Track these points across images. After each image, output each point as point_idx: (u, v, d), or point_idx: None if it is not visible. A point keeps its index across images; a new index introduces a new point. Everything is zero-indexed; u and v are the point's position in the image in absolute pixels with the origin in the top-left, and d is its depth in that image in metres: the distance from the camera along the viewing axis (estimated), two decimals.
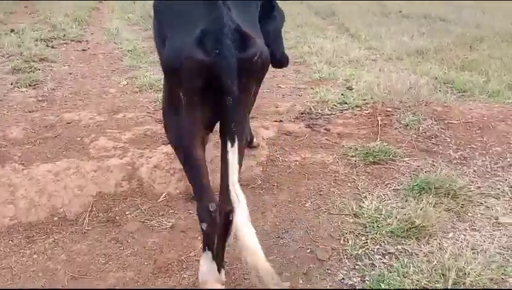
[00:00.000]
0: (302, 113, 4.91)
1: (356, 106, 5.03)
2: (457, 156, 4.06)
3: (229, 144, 2.13)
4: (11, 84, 5.50)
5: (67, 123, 4.50)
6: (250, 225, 2.02)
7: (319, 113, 4.91)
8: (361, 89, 5.53)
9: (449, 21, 11.94)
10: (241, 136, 2.26)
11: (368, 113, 4.79)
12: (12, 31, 8.43)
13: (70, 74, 6.12)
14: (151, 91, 5.48)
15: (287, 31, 9.78)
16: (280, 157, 3.98)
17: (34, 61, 6.46)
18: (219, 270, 2.45)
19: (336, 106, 5.09)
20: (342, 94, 5.48)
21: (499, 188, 3.65)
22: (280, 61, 3.65)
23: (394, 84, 5.43)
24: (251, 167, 3.83)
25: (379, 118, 4.57)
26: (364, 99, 5.21)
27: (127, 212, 3.39)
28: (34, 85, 5.52)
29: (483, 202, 3.46)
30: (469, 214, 3.32)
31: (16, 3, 11.59)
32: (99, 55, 7.15)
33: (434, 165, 3.88)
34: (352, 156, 3.97)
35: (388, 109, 4.76)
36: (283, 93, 5.68)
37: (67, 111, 4.80)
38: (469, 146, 4.21)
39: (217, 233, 2.36)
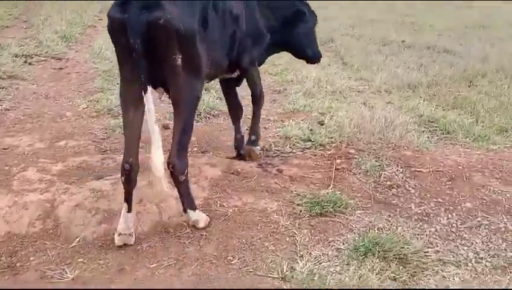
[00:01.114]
0: (260, 150, 4.52)
1: (320, 145, 4.62)
2: (418, 211, 3.61)
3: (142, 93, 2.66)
4: None
5: (3, 149, 4.19)
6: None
7: (278, 151, 4.51)
8: (332, 125, 5.13)
9: (454, 53, 11.46)
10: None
11: (329, 154, 4.38)
12: None
13: (35, 93, 5.85)
14: (108, 116, 5.15)
15: (277, 57, 9.45)
16: (218, 202, 3.59)
17: (1, 78, 6.20)
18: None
19: (298, 143, 4.69)
20: (311, 129, 5.07)
21: (461, 254, 3.18)
22: (311, 58, 4.42)
23: (367, 122, 5.02)
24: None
25: (338, 161, 4.16)
26: (331, 137, 4.81)
27: (31, 258, 3.01)
28: None
29: (439, 271, 3.00)
30: (420, 285, 2.87)
31: (16, 20, 11.45)
32: (73, 74, 6.88)
33: (389, 221, 3.45)
34: (298, 205, 3.56)
35: (351, 151, 4.34)
36: (249, 124, 5.28)
37: (10, 135, 4.49)
38: (435, 200, 3.76)
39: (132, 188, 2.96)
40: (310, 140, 4.72)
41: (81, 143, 4.35)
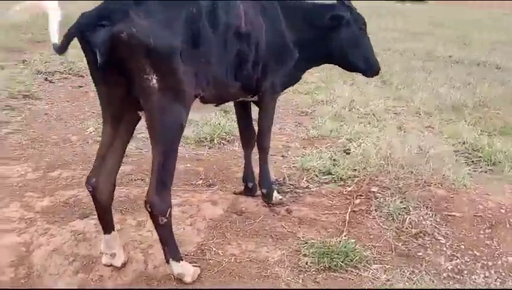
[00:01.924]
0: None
1: (341, 179, 4.10)
2: (449, 267, 3.03)
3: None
4: None
5: None
6: None
7: (291, 186, 4.02)
8: (358, 155, 4.58)
9: (507, 70, 10.60)
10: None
11: (349, 191, 3.84)
12: (24, 62, 8.20)
13: (46, 114, 5.62)
14: None
15: (311, 72, 8.96)
16: (214, 249, 3.13)
17: (15, 98, 6.04)
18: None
19: (317, 176, 4.18)
20: (334, 159, 4.55)
21: None
22: (364, 70, 3.65)
23: (397, 152, 4.45)
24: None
25: (356, 201, 3.62)
26: (354, 170, 4.27)
27: None
28: None
29: None
30: None
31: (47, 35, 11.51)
32: (91, 93, 6.63)
33: (412, 279, 2.88)
34: (304, 255, 3.05)
35: (373, 189, 3.79)
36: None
37: (5, 163, 4.21)
38: (470, 252, 3.17)
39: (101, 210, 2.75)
40: (330, 173, 4.20)
41: (76, 173, 4.02)
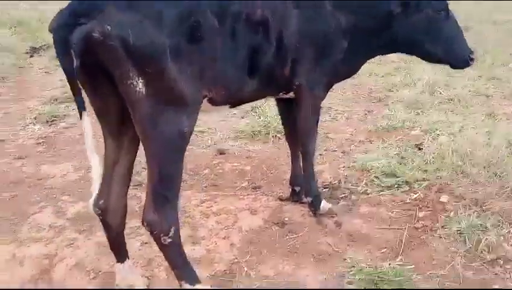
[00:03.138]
0: (326, 187, 3.55)
1: (406, 182, 3.49)
2: None
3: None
4: (33, 118, 5.05)
5: (38, 180, 3.81)
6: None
7: (347, 190, 3.49)
8: (432, 152, 3.92)
9: None
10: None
11: (413, 200, 3.24)
12: None
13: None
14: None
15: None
16: (245, 268, 2.73)
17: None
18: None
19: (378, 178, 3.60)
20: (402, 157, 3.94)
21: None
22: (449, 60, 3.00)
23: (479, 149, 3.73)
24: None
25: (420, 214, 3.02)
26: (425, 171, 3.64)
27: None
28: (52, 121, 5.00)
29: None
30: None
31: None
32: None
33: None
34: (349, 282, 2.56)
35: (443, 199, 3.16)
36: (325, 147, 4.31)
37: (53, 161, 4.12)
38: None
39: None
40: (394, 175, 3.60)
41: None
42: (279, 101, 3.24)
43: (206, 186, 3.65)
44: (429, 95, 5.65)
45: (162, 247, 2.25)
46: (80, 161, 4.08)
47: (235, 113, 5.19)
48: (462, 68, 3.17)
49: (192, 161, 4.01)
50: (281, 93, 2.93)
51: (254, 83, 2.58)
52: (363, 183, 3.58)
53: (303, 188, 3.28)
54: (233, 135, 4.60)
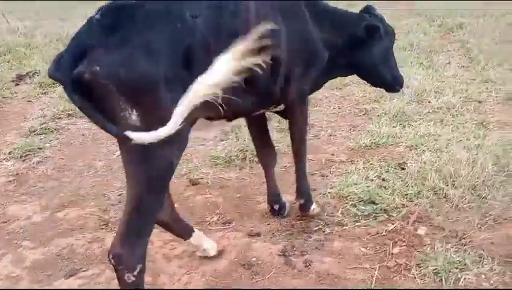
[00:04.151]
0: (300, 220, 3.35)
1: (384, 211, 3.27)
2: None
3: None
4: (7, 153, 4.91)
5: (2, 223, 3.65)
6: None
7: (321, 222, 3.28)
8: (415, 172, 3.69)
9: None
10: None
11: (389, 232, 3.02)
12: None
13: (83, 135, 5.35)
14: None
15: None
16: None
17: (59, 118, 5.87)
18: None
19: (355, 206, 3.39)
20: (383, 179, 3.73)
21: None
22: (389, 84, 3.45)
23: (464, 168, 3.50)
24: None
25: (395, 250, 2.80)
26: (405, 195, 3.42)
27: None
28: (26, 156, 4.83)
29: None
30: None
31: None
32: None
33: None
34: None
35: (420, 232, 2.93)
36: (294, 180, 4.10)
37: (21, 201, 3.95)
38: None
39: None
40: (373, 202, 3.39)
41: (84, 213, 3.64)
42: (250, 119, 3.34)
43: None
44: (417, 105, 5.41)
45: (124, 284, 2.15)
46: (48, 200, 3.91)
47: (215, 136, 5.00)
48: (397, 91, 3.59)
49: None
50: (272, 107, 3.05)
51: (250, 99, 2.64)
52: (339, 212, 3.36)
53: (282, 204, 3.42)
54: (209, 161, 4.40)
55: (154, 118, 1.99)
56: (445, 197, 3.31)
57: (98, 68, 1.93)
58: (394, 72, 3.42)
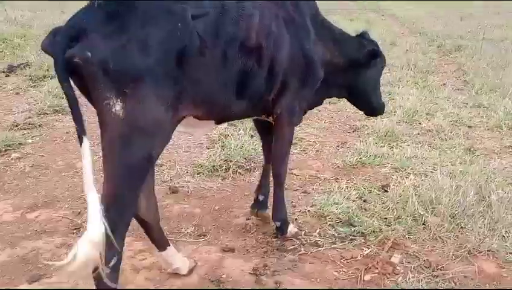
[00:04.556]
0: (276, 237, 3.28)
1: (362, 234, 3.21)
2: None
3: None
4: None
5: None
6: None
7: (298, 241, 3.21)
8: (396, 196, 3.64)
9: None
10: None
11: (364, 257, 2.96)
12: None
13: (67, 133, 5.26)
14: None
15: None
16: None
17: (45, 114, 5.79)
18: None
19: (333, 226, 3.33)
20: (365, 200, 3.68)
21: None
22: (375, 109, 3.52)
23: (445, 196, 3.45)
24: None
25: (366, 277, 2.73)
26: (385, 219, 3.36)
27: None
28: (5, 151, 4.73)
29: None
30: None
31: None
32: None
33: None
34: None
35: (394, 260, 2.87)
36: (286, 186, 4.02)
37: None
38: None
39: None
40: (351, 224, 3.33)
41: (55, 216, 3.55)
42: (256, 121, 3.33)
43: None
44: (407, 125, 5.38)
45: (98, 277, 2.10)
46: (21, 199, 3.82)
47: (201, 143, 4.94)
48: (378, 115, 3.82)
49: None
50: (262, 116, 3.01)
51: (240, 104, 2.61)
52: (317, 232, 3.30)
53: (266, 197, 3.42)
54: (192, 169, 4.33)
55: (137, 112, 2.04)
56: (423, 224, 3.26)
57: (89, 54, 1.94)
58: (380, 98, 3.51)
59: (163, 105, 2.12)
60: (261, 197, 3.42)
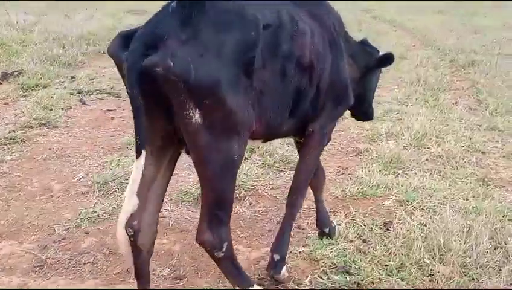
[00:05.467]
0: (260, 284, 2.89)
1: (358, 285, 2.81)
2: None
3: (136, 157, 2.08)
4: None
5: None
6: None
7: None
8: (400, 237, 3.25)
9: None
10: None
11: None
12: (72, 78, 7.77)
13: (50, 149, 4.93)
14: (98, 196, 3.94)
15: (388, 88, 7.46)
16: None
17: (30, 127, 5.46)
18: None
19: (326, 273, 2.94)
20: (364, 241, 3.29)
21: None
22: (369, 114, 3.49)
23: (454, 240, 3.04)
24: None
25: None
26: (385, 266, 2.96)
27: None
28: None
29: None
30: None
31: None
32: (116, 120, 5.89)
33: None
34: None
35: None
36: (279, 218, 3.67)
37: None
38: None
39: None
40: (347, 271, 2.94)
41: (20, 250, 3.20)
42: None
43: (117, 273, 3.02)
44: (415, 150, 4.96)
45: (217, 260, 2.38)
46: None
47: (190, 165, 4.56)
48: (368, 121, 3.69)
49: (116, 233, 3.40)
50: (297, 137, 2.97)
51: (289, 123, 2.62)
52: (307, 280, 2.91)
53: (332, 227, 3.32)
54: (177, 196, 3.96)
55: (216, 119, 2.08)
56: (430, 274, 2.85)
57: (171, 63, 1.92)
58: (370, 103, 3.45)
59: (241, 110, 2.15)
60: (326, 230, 3.31)
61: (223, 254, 2.31)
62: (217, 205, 2.26)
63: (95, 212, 3.65)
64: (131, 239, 2.36)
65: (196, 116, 2.04)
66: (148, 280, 2.55)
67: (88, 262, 3.10)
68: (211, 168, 2.19)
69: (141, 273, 2.50)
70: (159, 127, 2.22)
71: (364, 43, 3.27)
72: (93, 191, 4.03)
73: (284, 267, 2.90)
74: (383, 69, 3.46)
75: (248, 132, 2.29)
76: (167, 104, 2.07)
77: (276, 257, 2.89)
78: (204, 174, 2.24)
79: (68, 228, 3.48)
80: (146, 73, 1.94)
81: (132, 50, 1.99)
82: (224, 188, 2.26)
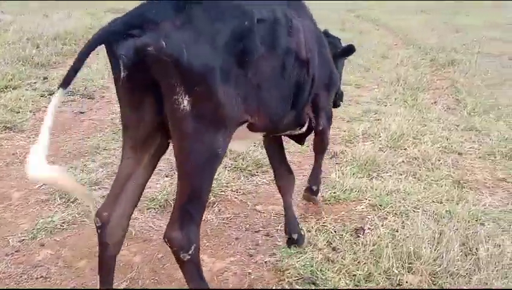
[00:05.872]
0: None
1: None
2: None
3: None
4: None
5: None
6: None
7: None
8: (371, 244, 3.13)
9: None
10: None
11: None
12: (44, 78, 7.55)
13: (14, 154, 4.71)
14: (59, 204, 3.77)
15: (368, 88, 7.38)
16: None
17: None
18: None
19: (291, 284, 2.81)
20: (334, 249, 3.16)
21: None
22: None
23: (425, 248, 2.93)
24: None
25: None
26: (353, 276, 2.84)
27: None
28: None
29: None
30: None
31: None
32: (87, 122, 5.72)
33: None
34: None
35: None
36: (246, 226, 3.54)
37: None
38: None
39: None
40: (313, 282, 2.81)
41: None
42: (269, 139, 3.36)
43: (72, 287, 2.86)
44: (391, 151, 4.86)
45: (181, 263, 2.26)
46: None
47: (160, 170, 4.41)
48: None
49: (73, 244, 3.25)
50: (297, 129, 3.04)
51: (291, 116, 2.70)
52: None
53: (300, 234, 3.27)
54: (143, 203, 3.80)
55: (205, 108, 2.04)
56: (399, 284, 2.74)
57: (164, 43, 1.88)
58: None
59: (229, 102, 2.11)
60: (294, 236, 3.26)
61: (189, 257, 2.21)
62: (191, 200, 2.19)
63: (53, 221, 3.47)
64: (98, 230, 2.32)
65: (185, 103, 2.00)
66: (112, 280, 2.46)
67: (41, 276, 2.93)
68: (192, 159, 2.14)
69: (105, 271, 2.42)
70: (145, 121, 2.17)
71: (326, 34, 3.38)
72: (54, 199, 3.85)
73: (319, 194, 3.80)
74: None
75: (235, 126, 2.27)
76: (156, 92, 2.04)
77: (315, 187, 3.71)
78: (184, 165, 2.17)
79: (23, 240, 3.30)
80: (137, 54, 1.92)
81: (114, 31, 1.96)
82: (201, 183, 2.20)
